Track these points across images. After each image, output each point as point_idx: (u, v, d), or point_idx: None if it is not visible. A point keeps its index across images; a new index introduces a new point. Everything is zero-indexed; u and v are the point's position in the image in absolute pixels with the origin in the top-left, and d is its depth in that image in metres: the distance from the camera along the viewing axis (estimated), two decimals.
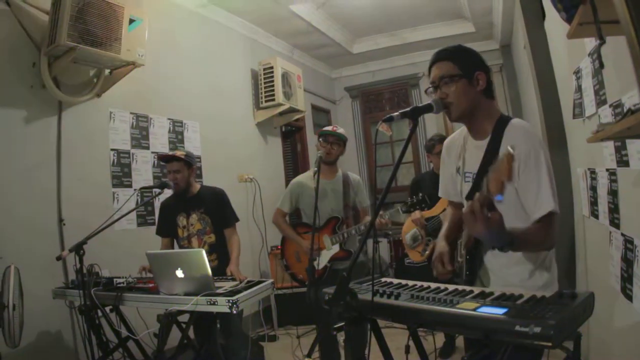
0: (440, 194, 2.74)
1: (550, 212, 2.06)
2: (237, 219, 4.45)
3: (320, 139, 4.37)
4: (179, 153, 4.30)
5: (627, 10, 1.35)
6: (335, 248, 4.31)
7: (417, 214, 5.12)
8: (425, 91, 2.41)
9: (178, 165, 4.24)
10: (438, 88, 2.28)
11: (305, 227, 4.50)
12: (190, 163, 4.29)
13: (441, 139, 4.96)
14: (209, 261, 3.36)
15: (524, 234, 2.03)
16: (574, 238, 4.54)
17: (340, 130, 4.36)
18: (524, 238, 2.01)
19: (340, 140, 4.34)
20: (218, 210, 4.34)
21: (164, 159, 4.40)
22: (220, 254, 4.30)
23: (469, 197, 2.28)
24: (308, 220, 4.48)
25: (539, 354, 2.10)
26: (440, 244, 2.50)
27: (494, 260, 2.30)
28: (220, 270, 4.11)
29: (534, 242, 2.10)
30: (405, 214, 4.33)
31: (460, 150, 2.48)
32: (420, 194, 4.16)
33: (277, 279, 5.66)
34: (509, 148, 1.56)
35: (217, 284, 3.53)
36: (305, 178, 4.56)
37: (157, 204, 4.98)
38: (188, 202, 4.34)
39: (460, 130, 2.54)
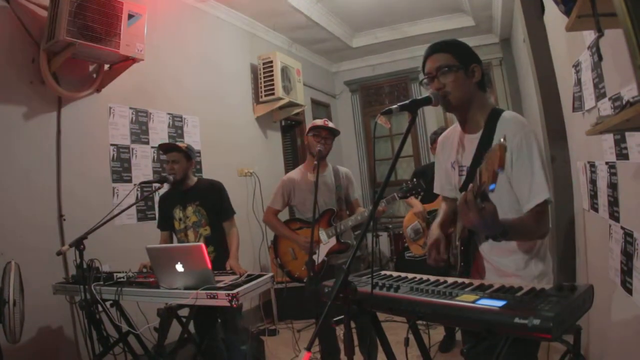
0: (435, 190, 2.75)
1: (544, 201, 2.07)
2: (233, 212, 4.46)
3: (311, 133, 4.32)
4: (180, 144, 4.32)
5: (623, 3, 1.35)
6: (332, 241, 4.29)
7: (418, 206, 5.12)
8: (420, 82, 2.42)
9: (177, 155, 4.25)
10: (435, 78, 2.29)
11: (299, 222, 4.45)
12: (189, 156, 4.29)
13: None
14: None
15: (518, 223, 2.06)
16: (574, 231, 4.54)
17: (331, 125, 4.34)
18: (518, 227, 2.04)
19: (332, 135, 4.32)
20: (215, 203, 4.35)
21: (164, 147, 4.40)
22: (217, 246, 4.30)
23: (463, 189, 2.29)
24: (301, 216, 4.45)
25: (536, 346, 2.11)
26: (435, 231, 2.51)
27: (489, 250, 2.31)
28: (217, 262, 4.11)
29: (528, 231, 2.13)
30: (402, 199, 4.27)
31: (456, 145, 2.50)
32: (415, 179, 4.14)
33: (277, 273, 5.65)
34: (502, 139, 1.57)
35: (217, 278, 3.54)
36: (296, 174, 4.51)
37: (157, 198, 4.98)
38: (184, 195, 4.35)
39: (454, 126, 2.57)
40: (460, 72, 2.27)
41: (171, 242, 4.46)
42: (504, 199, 2.18)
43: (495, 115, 2.30)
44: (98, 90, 4.77)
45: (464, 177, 2.39)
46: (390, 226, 8.74)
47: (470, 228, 2.25)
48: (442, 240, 2.44)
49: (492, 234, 1.96)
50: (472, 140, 2.34)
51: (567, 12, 2.29)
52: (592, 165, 3.41)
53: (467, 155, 2.38)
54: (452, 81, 2.26)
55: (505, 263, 2.27)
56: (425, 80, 2.36)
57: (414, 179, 4.17)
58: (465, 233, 2.36)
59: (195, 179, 4.46)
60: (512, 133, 2.13)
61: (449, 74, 2.26)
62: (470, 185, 1.81)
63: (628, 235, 2.63)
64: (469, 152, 2.35)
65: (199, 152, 6.02)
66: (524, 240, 2.22)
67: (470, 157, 2.33)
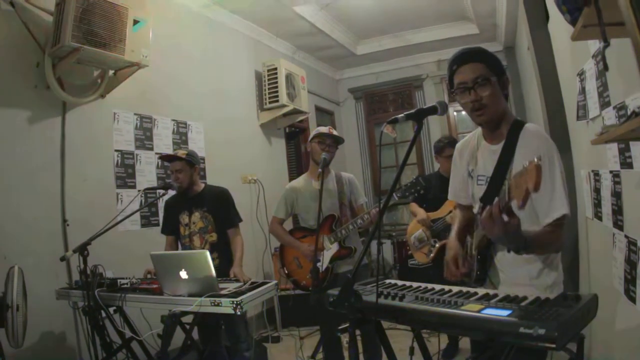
0: (449, 197, 2.74)
1: (563, 215, 2.07)
2: (240, 219, 4.46)
3: (316, 141, 4.31)
4: (180, 153, 4.32)
5: (632, 13, 1.35)
6: (335, 247, 4.26)
7: (422, 214, 5.11)
8: (451, 92, 2.37)
9: (180, 164, 4.26)
10: (472, 90, 2.24)
11: (303, 231, 4.43)
12: (192, 162, 4.30)
13: (450, 141, 4.95)
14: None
15: (538, 237, 2.06)
16: (578, 240, 4.53)
17: (336, 133, 4.33)
18: (538, 241, 2.05)
19: (336, 143, 4.31)
20: (221, 210, 4.34)
21: (166, 158, 4.42)
22: (222, 253, 4.30)
23: (485, 199, 2.28)
24: (305, 224, 4.44)
25: (543, 356, 2.11)
26: (453, 244, 2.51)
27: (503, 259, 2.32)
28: (221, 269, 4.09)
29: (547, 245, 2.15)
30: (402, 199, 4.19)
31: (473, 153, 2.49)
32: (414, 177, 4.10)
33: (281, 280, 5.65)
34: (536, 159, 1.56)
35: (221, 285, 3.54)
36: (299, 182, 4.51)
37: (161, 205, 4.98)
38: (191, 201, 4.35)
39: (473, 134, 2.56)
40: (496, 84, 2.23)
41: (177, 246, 4.46)
42: (524, 212, 2.18)
43: (517, 126, 2.28)
44: (103, 95, 4.78)
45: (483, 187, 2.38)
46: (394, 234, 8.74)
47: (494, 240, 2.25)
48: (460, 255, 2.43)
49: (514, 247, 1.96)
50: (494, 151, 2.33)
51: (572, 22, 2.28)
52: (596, 173, 3.41)
53: (487, 165, 2.37)
54: (490, 94, 2.22)
55: (519, 273, 2.28)
56: (458, 91, 2.29)
57: (413, 177, 4.12)
58: (484, 242, 2.35)
59: (203, 185, 4.47)
60: (535, 147, 2.12)
61: (487, 86, 2.21)
62: (496, 199, 1.82)
63: (632, 243, 2.62)
64: (490, 162, 2.34)
65: (203, 159, 6.03)
66: (542, 253, 2.23)
67: (490, 167, 2.32)
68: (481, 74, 2.22)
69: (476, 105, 2.24)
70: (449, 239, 2.62)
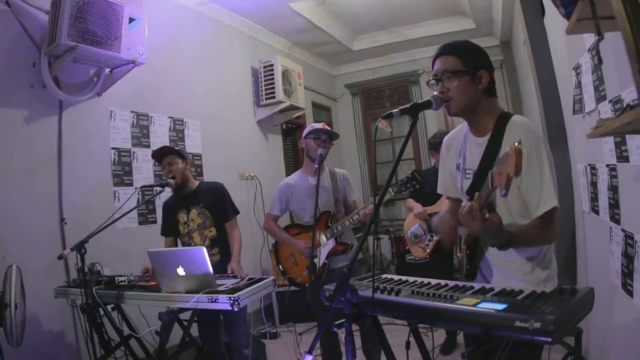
0: (439, 190, 2.73)
1: (552, 208, 2.07)
2: (236, 212, 4.44)
3: (312, 137, 4.30)
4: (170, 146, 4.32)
5: (622, 6, 1.35)
6: (331, 243, 4.26)
7: (419, 208, 5.11)
8: (427, 83, 2.39)
9: (171, 157, 4.25)
10: (440, 81, 2.28)
11: (298, 227, 4.42)
12: (183, 155, 4.30)
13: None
14: (211, 255, 3.36)
15: (525, 232, 2.06)
16: (575, 234, 4.54)
17: (329, 129, 4.33)
18: (525, 235, 2.04)
19: (331, 138, 4.31)
20: (217, 204, 4.32)
21: (156, 155, 4.39)
22: (222, 248, 4.29)
23: (471, 193, 2.28)
24: (300, 220, 4.44)
25: (539, 349, 2.11)
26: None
27: (495, 254, 2.30)
28: (222, 264, 4.11)
29: (535, 238, 2.13)
30: (398, 194, 4.16)
31: (460, 147, 2.48)
32: (410, 172, 4.09)
33: (279, 277, 5.66)
34: (517, 143, 1.57)
35: (219, 282, 3.53)
36: (293, 179, 4.50)
37: (158, 202, 4.99)
38: (187, 198, 4.33)
39: (460, 127, 2.55)
40: (465, 78, 2.25)
41: (176, 247, 4.44)
42: (513, 205, 2.18)
43: (504, 119, 2.28)
44: (99, 94, 4.77)
45: (469, 181, 2.37)
46: (391, 229, 8.74)
47: (475, 235, 2.25)
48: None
49: (497, 244, 1.96)
50: (480, 144, 2.33)
51: (567, 15, 2.29)
52: (593, 167, 3.42)
53: (473, 159, 2.37)
54: (456, 86, 2.24)
55: (512, 267, 2.26)
56: (432, 81, 2.33)
57: (409, 172, 4.12)
58: (471, 236, 2.35)
59: (197, 182, 4.45)
60: (522, 139, 2.11)
61: (454, 79, 2.24)
62: (477, 194, 1.81)
63: (629, 237, 2.63)
64: (476, 156, 2.34)
65: (200, 156, 6.04)
66: (532, 247, 2.22)
67: (477, 160, 2.31)
68: (450, 66, 2.26)
69: (443, 97, 2.26)
70: (433, 219, 2.63)
